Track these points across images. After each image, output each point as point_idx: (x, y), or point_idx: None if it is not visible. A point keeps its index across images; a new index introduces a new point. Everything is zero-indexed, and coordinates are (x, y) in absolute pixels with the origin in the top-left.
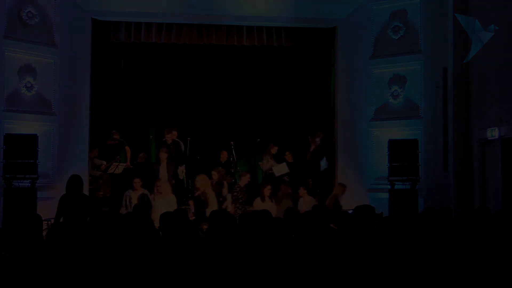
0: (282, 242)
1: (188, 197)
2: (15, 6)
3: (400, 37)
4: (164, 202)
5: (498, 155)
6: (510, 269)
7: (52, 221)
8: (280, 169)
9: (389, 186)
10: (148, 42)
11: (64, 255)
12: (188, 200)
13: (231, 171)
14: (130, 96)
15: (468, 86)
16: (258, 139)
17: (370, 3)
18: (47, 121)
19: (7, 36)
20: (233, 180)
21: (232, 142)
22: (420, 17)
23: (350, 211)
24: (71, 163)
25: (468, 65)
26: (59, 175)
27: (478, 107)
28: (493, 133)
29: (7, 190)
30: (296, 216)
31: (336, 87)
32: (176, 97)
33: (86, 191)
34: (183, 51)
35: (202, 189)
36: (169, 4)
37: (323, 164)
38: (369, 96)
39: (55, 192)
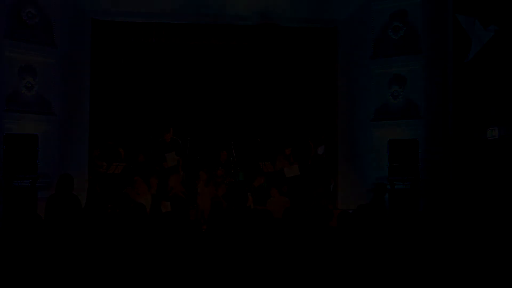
0: (282, 242)
1: (160, 199)
2: (15, 6)
3: (400, 37)
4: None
5: (498, 155)
6: (510, 269)
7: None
8: (292, 171)
9: (389, 186)
10: (148, 42)
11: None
12: (162, 201)
13: (231, 171)
14: (130, 96)
15: (468, 86)
16: (258, 139)
17: (370, 3)
18: (47, 121)
19: (7, 36)
20: (232, 180)
21: (232, 142)
22: (420, 17)
23: (350, 211)
24: (71, 163)
25: (468, 65)
26: (59, 175)
27: (478, 107)
28: (493, 133)
29: (7, 190)
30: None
31: (336, 87)
32: (176, 97)
33: (85, 191)
34: (183, 51)
35: (178, 188)
36: (169, 4)
37: (331, 186)
38: (369, 96)
39: None
